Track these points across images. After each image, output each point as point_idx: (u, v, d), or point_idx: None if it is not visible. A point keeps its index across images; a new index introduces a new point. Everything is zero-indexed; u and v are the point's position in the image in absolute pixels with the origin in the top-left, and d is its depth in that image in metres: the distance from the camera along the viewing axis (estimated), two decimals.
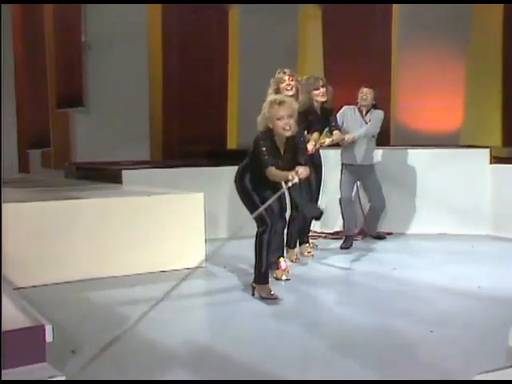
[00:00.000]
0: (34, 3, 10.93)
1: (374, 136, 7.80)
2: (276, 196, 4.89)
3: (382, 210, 7.99)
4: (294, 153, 5.29)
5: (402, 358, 3.97)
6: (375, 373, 3.69)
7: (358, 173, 7.78)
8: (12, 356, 3.10)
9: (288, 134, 5.14)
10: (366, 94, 7.71)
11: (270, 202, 4.69)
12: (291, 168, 5.04)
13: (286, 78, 6.42)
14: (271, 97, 5.46)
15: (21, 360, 3.11)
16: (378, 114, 7.74)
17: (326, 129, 7.19)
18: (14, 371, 3.07)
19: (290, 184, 4.94)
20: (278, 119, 5.09)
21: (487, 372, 3.08)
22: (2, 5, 10.34)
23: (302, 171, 4.96)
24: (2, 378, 2.96)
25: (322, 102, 6.95)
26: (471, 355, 3.89)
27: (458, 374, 3.43)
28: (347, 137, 7.48)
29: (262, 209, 4.65)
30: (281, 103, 5.14)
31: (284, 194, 6.03)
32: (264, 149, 5.11)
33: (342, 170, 7.76)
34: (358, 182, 8.00)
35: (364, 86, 7.79)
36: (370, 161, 7.82)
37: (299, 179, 4.95)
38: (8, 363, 3.07)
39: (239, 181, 5.43)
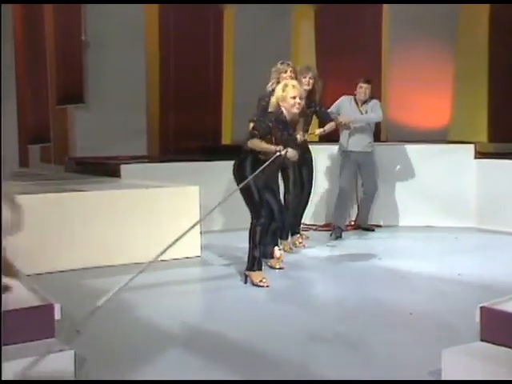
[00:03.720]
0: (33, 3, 11.14)
1: (370, 125, 8.08)
2: (266, 164, 5.34)
3: (374, 193, 8.28)
4: (294, 132, 5.97)
5: (381, 336, 4.30)
6: (356, 348, 4.03)
7: (357, 159, 8.03)
8: (25, 331, 3.41)
9: (297, 111, 5.78)
10: (365, 91, 7.99)
11: (260, 169, 5.14)
12: (291, 144, 5.70)
13: (289, 69, 6.80)
14: (284, 81, 6.08)
15: (33, 335, 3.42)
16: (376, 103, 8.06)
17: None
18: (26, 345, 3.38)
19: (277, 154, 5.47)
20: (292, 98, 5.73)
21: (454, 346, 3.41)
22: (3, 5, 10.55)
23: (291, 151, 5.58)
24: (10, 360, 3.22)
25: (308, 93, 7.20)
26: (445, 332, 4.22)
27: (429, 350, 3.75)
28: (344, 119, 7.79)
29: (251, 177, 5.10)
30: (294, 86, 5.84)
31: (278, 187, 6.41)
32: (265, 124, 5.64)
33: (341, 161, 8.07)
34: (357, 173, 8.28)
35: (363, 80, 8.04)
36: (369, 148, 8.10)
37: (286, 157, 5.54)
38: (21, 338, 3.38)
39: (238, 171, 5.70)
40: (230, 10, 10.99)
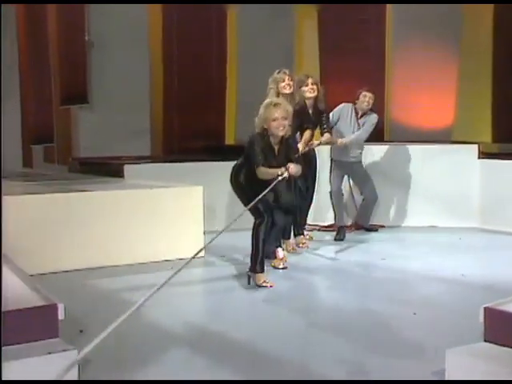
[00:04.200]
0: (33, 3, 11.17)
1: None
2: (268, 189, 5.22)
3: (375, 201, 8.24)
4: (286, 151, 5.65)
5: (384, 336, 4.30)
6: (359, 348, 4.02)
7: (346, 168, 8.02)
8: (28, 331, 3.42)
9: (281, 133, 5.49)
10: (368, 100, 7.81)
11: (262, 195, 5.06)
12: (284, 166, 5.43)
13: (286, 78, 6.72)
14: (267, 100, 5.77)
15: (36, 335, 3.42)
16: (373, 119, 7.88)
17: (317, 129, 7.45)
18: (29, 345, 3.38)
19: (280, 178, 5.33)
20: (273, 120, 5.44)
21: (457, 347, 3.41)
22: (6, 5, 10.59)
23: (293, 167, 5.39)
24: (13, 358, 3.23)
25: (314, 101, 7.19)
26: (449, 334, 4.22)
27: (433, 350, 3.75)
28: (339, 141, 7.72)
29: (254, 202, 5.02)
30: (276, 105, 5.50)
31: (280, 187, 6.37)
32: (257, 149, 5.47)
33: (331, 165, 8.04)
34: (347, 177, 8.28)
35: (366, 89, 7.86)
36: (358, 158, 8.06)
37: (290, 175, 5.38)
38: (24, 338, 3.39)
39: (234, 179, 5.77)
40: (233, 11, 11.00)
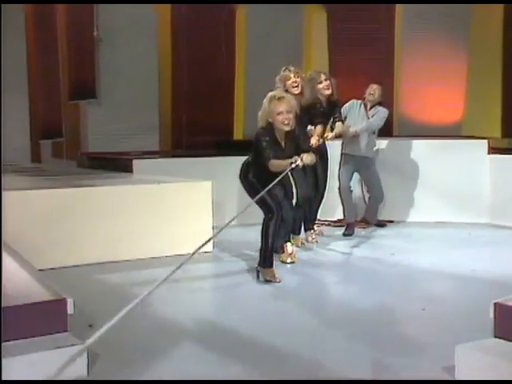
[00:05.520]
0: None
1: (374, 132, 8.03)
2: (280, 177, 5.07)
3: (381, 201, 8.18)
4: (295, 144, 5.56)
5: (393, 332, 4.28)
6: (368, 344, 4.01)
7: (357, 164, 7.96)
8: (38, 325, 3.43)
9: (287, 128, 5.41)
10: (374, 90, 7.88)
11: (274, 183, 4.91)
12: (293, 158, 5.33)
13: (292, 75, 6.59)
14: (270, 93, 5.63)
15: (46, 329, 3.44)
16: (383, 112, 7.93)
17: (331, 120, 7.41)
18: (39, 339, 3.40)
19: (293, 166, 5.21)
20: (278, 114, 5.35)
21: (467, 342, 3.39)
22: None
23: (307, 156, 5.28)
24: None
25: (329, 95, 7.18)
26: (458, 328, 4.20)
27: (443, 346, 3.73)
28: (350, 130, 7.72)
29: (266, 190, 4.85)
30: (280, 99, 5.40)
31: (290, 183, 6.35)
32: (264, 143, 5.38)
33: (341, 161, 8.01)
34: (356, 174, 8.23)
35: (373, 82, 7.99)
36: (370, 154, 8.02)
37: (303, 164, 5.26)
38: (34, 332, 3.41)
39: (244, 176, 5.70)
40: (242, 9, 10.97)
